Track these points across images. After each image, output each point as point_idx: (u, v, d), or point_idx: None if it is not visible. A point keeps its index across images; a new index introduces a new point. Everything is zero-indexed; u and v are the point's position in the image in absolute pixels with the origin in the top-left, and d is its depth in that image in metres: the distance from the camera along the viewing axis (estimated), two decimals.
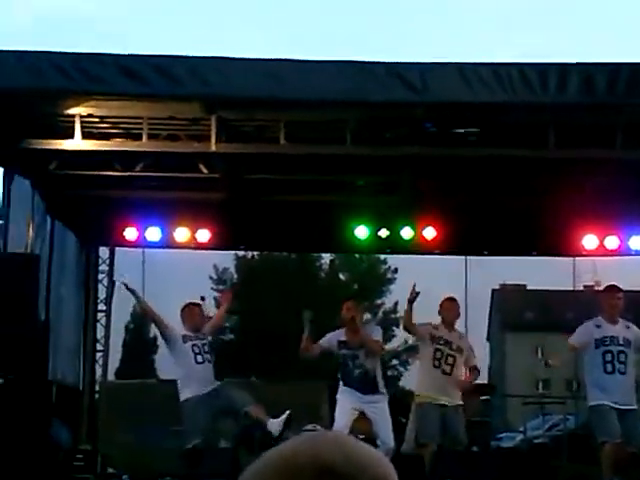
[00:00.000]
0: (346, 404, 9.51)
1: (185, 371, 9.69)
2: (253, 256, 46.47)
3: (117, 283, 13.71)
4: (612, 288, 9.92)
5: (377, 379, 9.67)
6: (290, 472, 1.22)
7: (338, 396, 9.72)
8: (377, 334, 9.92)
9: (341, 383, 9.81)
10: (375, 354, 9.75)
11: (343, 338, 9.80)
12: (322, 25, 70.83)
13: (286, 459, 1.25)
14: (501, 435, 23.96)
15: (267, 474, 1.25)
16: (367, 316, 10.35)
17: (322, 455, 1.23)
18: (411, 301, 9.79)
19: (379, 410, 9.55)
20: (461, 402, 10.08)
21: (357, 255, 44.47)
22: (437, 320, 10.15)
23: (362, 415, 9.54)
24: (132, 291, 10.37)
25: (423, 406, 9.94)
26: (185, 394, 9.53)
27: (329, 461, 1.22)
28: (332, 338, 9.98)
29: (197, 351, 9.73)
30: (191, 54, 9.16)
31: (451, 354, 9.89)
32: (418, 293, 9.79)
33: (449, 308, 10.26)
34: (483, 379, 16.61)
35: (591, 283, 40.42)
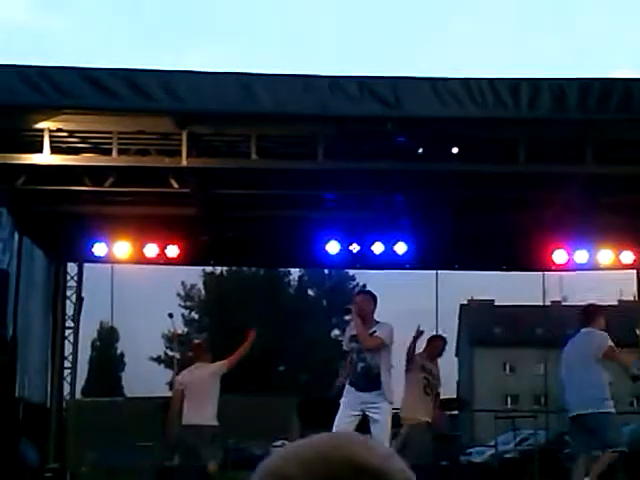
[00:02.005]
0: (347, 408, 9.48)
1: None
2: (221, 272, 46.34)
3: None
4: None
5: (381, 377, 9.48)
6: (324, 462, 1.19)
7: (342, 399, 9.62)
8: (382, 330, 9.80)
9: (347, 382, 9.71)
10: (367, 349, 9.67)
11: (354, 332, 9.71)
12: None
13: (320, 450, 1.21)
14: (470, 450, 23.99)
15: (299, 463, 1.20)
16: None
17: (356, 450, 1.21)
18: (415, 338, 10.87)
19: (380, 411, 9.39)
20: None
21: (326, 271, 44.47)
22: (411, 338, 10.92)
23: (363, 419, 9.50)
24: None
25: (419, 429, 10.89)
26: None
27: (362, 456, 1.20)
28: (347, 332, 10.06)
29: None
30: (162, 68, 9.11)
31: (434, 384, 11.26)
32: (422, 332, 10.95)
33: (437, 346, 11.55)
34: (452, 394, 16.61)
35: (558, 299, 40.76)
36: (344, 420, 9.32)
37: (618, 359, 9.72)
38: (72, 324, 14.07)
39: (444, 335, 12.45)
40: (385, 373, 9.59)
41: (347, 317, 10.22)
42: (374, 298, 9.82)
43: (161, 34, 73.78)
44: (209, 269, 43.04)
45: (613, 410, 9.56)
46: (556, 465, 17.42)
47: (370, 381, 9.48)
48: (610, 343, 9.58)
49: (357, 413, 9.44)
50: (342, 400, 9.61)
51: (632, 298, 15.36)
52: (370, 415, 9.40)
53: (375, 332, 9.55)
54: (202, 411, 10.75)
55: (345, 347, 10.00)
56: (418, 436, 10.83)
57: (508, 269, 15.14)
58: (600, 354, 9.54)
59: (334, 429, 9.17)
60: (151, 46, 69.60)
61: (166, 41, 73.54)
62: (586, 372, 9.50)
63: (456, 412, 23.48)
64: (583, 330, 9.83)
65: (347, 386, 9.66)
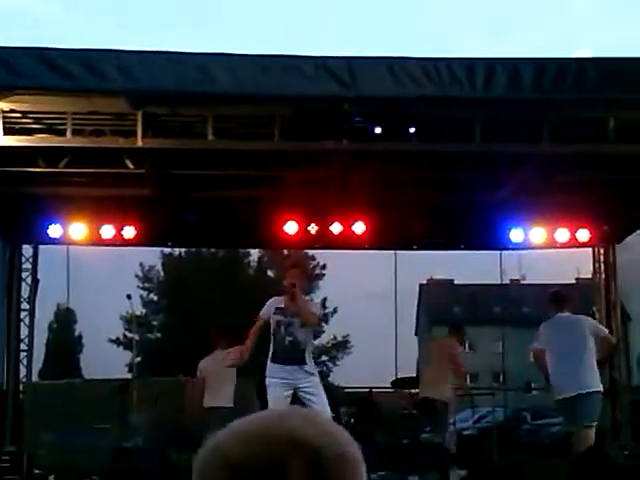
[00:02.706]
0: (277, 391, 9.31)
1: None
2: (180, 253, 46.12)
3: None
4: None
5: (306, 353, 9.43)
6: (261, 439, 1.21)
7: (268, 379, 9.44)
8: (316, 308, 9.76)
9: (269, 361, 9.51)
10: (309, 324, 9.57)
11: (281, 305, 9.56)
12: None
13: (258, 427, 1.24)
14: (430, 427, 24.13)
15: (237, 441, 1.23)
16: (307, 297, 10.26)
17: (293, 426, 1.23)
18: None
19: (313, 384, 9.36)
20: None
21: (285, 251, 44.47)
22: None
23: (295, 397, 9.37)
24: None
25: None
26: None
27: (298, 432, 1.22)
28: (271, 305, 9.68)
29: None
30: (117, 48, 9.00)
31: None
32: None
33: None
34: (412, 373, 16.71)
35: (517, 277, 41.10)
36: (281, 401, 9.17)
37: (610, 342, 10.84)
38: (28, 306, 13.94)
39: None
40: (310, 349, 9.61)
41: (273, 299, 9.90)
42: (305, 273, 9.78)
43: (145, 16, 72.96)
44: (168, 250, 42.83)
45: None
46: (514, 442, 17.61)
47: (296, 355, 9.39)
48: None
49: (289, 391, 9.30)
50: (270, 380, 9.46)
51: (589, 276, 15.49)
52: (304, 389, 9.30)
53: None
54: (218, 394, 11.86)
55: (264, 316, 9.67)
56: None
57: (466, 248, 15.24)
58: (598, 337, 10.23)
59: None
60: (134, 28, 68.80)
61: (148, 23, 72.79)
62: (587, 355, 10.04)
63: (417, 390, 23.64)
64: (565, 315, 10.36)
65: (270, 364, 9.51)
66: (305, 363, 9.42)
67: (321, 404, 9.14)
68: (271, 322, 9.58)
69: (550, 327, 10.45)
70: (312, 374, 9.46)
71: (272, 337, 9.63)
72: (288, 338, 9.44)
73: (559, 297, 10.66)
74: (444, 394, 11.99)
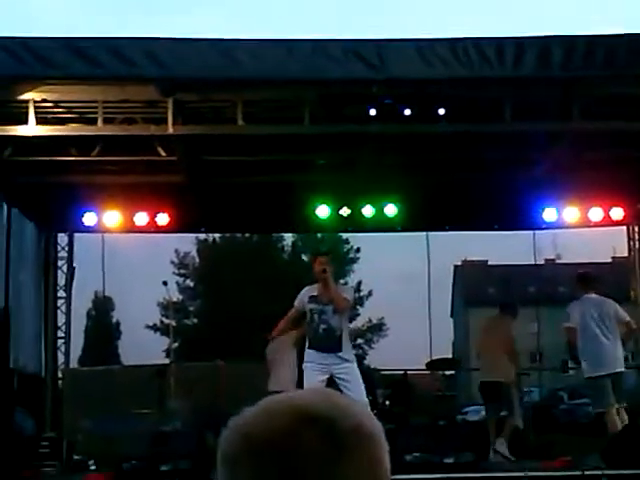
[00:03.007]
0: (313, 376, 9.33)
1: None
2: (214, 239, 46.30)
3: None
4: None
5: (342, 339, 9.43)
6: (274, 416, 1.27)
7: (305, 364, 9.51)
8: (348, 293, 9.77)
9: (307, 346, 9.58)
10: (341, 310, 9.52)
11: (314, 293, 9.58)
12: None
13: (271, 405, 1.30)
14: (467, 409, 24.13)
15: (253, 419, 1.29)
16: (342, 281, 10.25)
17: (305, 401, 1.28)
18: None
19: (349, 370, 9.35)
20: None
21: (319, 235, 44.51)
22: None
23: (331, 382, 9.39)
24: None
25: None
26: None
27: (309, 406, 1.27)
28: (304, 294, 9.71)
29: None
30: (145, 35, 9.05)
31: None
32: None
33: None
34: (447, 354, 16.69)
35: (552, 257, 40.88)
36: (315, 384, 9.13)
37: (632, 328, 10.80)
38: (64, 294, 14.09)
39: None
40: (346, 334, 9.61)
41: (306, 287, 9.95)
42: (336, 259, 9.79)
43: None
44: (202, 236, 43.00)
45: None
46: (551, 422, 17.57)
47: (332, 342, 9.40)
48: None
49: (324, 376, 9.30)
50: (306, 365, 9.51)
51: (625, 254, 15.37)
52: (340, 376, 9.29)
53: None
54: (279, 379, 11.71)
55: (299, 306, 9.74)
56: None
57: (500, 229, 15.18)
58: (620, 321, 10.51)
59: None
60: (140, 11, 68.89)
61: (155, 7, 72.84)
62: (614, 335, 10.39)
63: (453, 372, 23.62)
64: (592, 296, 10.62)
65: (307, 350, 9.56)
66: (340, 350, 9.41)
67: (356, 390, 9.11)
68: (306, 311, 9.64)
69: (578, 307, 10.64)
70: (347, 360, 9.45)
71: (307, 325, 9.67)
72: (322, 326, 9.46)
73: (585, 278, 10.89)
74: (508, 376, 11.73)
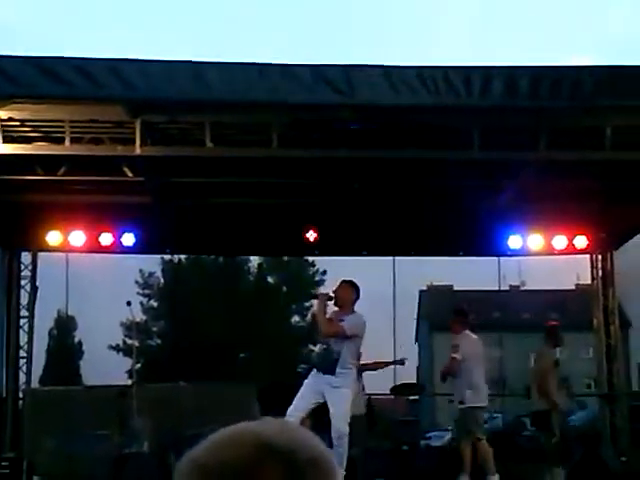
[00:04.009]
0: (307, 388, 9.61)
1: None
2: (180, 260, 46.13)
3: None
4: None
5: (337, 363, 9.60)
6: (232, 446, 1.27)
7: (305, 380, 9.86)
8: (349, 321, 9.85)
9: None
10: (325, 335, 9.75)
11: (332, 316, 9.92)
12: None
13: (230, 435, 1.30)
14: (430, 434, 24.16)
15: (211, 449, 1.29)
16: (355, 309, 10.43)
17: (264, 432, 1.28)
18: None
19: (337, 396, 9.52)
20: None
21: (285, 257, 44.44)
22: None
23: (323, 400, 9.59)
24: None
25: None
26: None
27: (269, 437, 1.27)
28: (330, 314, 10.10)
29: None
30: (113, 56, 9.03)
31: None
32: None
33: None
34: (412, 379, 16.70)
35: (517, 283, 41.11)
36: (302, 399, 9.40)
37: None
38: (27, 313, 13.96)
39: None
40: (346, 361, 9.69)
41: (312, 302, 10.38)
42: (356, 288, 9.90)
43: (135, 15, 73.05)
44: (167, 257, 42.84)
45: None
46: (513, 448, 17.59)
47: (327, 364, 9.61)
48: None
49: (317, 396, 9.54)
50: (305, 381, 9.78)
51: (589, 282, 15.50)
52: (327, 397, 9.50)
53: (343, 321, 9.67)
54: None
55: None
56: None
57: (465, 254, 15.26)
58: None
59: (291, 406, 9.31)
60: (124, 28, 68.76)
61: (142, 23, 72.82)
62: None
63: (417, 397, 23.64)
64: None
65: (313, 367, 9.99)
66: (334, 373, 9.60)
67: (338, 417, 9.33)
68: None
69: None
70: (338, 387, 9.60)
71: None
72: (322, 346, 9.86)
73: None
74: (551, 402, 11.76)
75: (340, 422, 9.27)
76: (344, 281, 10.30)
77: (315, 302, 10.20)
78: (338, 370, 9.59)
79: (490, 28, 75.22)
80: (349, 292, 9.86)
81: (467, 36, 74.26)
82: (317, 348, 10.09)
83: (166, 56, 9.49)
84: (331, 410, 9.40)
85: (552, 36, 70.53)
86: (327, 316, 9.91)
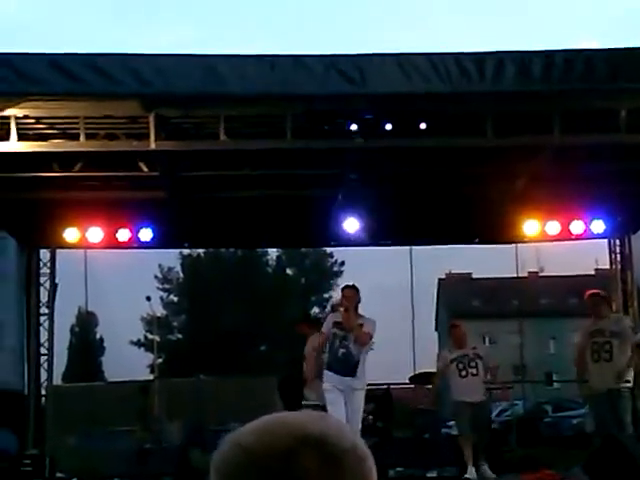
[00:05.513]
0: (333, 396, 9.75)
1: None
2: (199, 254, 46.24)
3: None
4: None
5: (358, 366, 9.88)
6: (274, 433, 1.29)
7: (324, 386, 9.92)
8: (369, 326, 10.02)
9: (325, 369, 10.04)
10: (362, 345, 9.95)
11: (338, 319, 10.05)
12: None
13: (271, 422, 1.32)
14: (451, 423, 24.12)
15: (255, 434, 1.31)
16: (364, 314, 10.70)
17: (301, 421, 1.31)
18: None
19: (355, 399, 9.80)
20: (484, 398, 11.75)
21: (303, 249, 44.47)
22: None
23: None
24: None
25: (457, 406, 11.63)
26: None
27: (305, 426, 1.30)
28: (329, 320, 10.31)
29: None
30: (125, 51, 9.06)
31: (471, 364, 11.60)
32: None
33: (455, 334, 12.16)
34: (430, 368, 16.68)
35: (535, 269, 40.97)
36: (338, 403, 9.60)
37: None
38: (47, 311, 14.02)
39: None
40: (362, 363, 10.01)
41: (332, 313, 10.59)
42: (358, 291, 10.07)
43: (129, 15, 73.11)
44: (186, 251, 42.94)
45: None
46: (535, 435, 17.57)
47: (348, 367, 9.88)
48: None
49: (342, 396, 9.80)
50: (326, 385, 9.93)
51: (607, 267, 15.42)
52: (347, 398, 9.78)
53: (362, 325, 9.80)
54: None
55: (324, 330, 10.23)
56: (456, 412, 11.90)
57: (481, 242, 15.22)
58: None
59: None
60: (119, 27, 68.88)
61: (134, 22, 72.88)
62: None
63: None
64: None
65: (326, 371, 10.01)
66: (355, 376, 9.85)
67: (354, 418, 9.57)
68: (330, 335, 10.10)
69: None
70: (358, 389, 9.89)
71: (329, 348, 10.09)
72: (342, 350, 9.95)
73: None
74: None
75: (356, 423, 9.57)
76: (348, 286, 10.46)
77: (340, 313, 10.17)
78: (358, 372, 9.91)
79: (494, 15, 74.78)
80: (356, 296, 10.12)
81: (477, 25, 73.80)
82: (330, 351, 10.06)
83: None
84: (349, 410, 9.68)
85: (559, 22, 70.07)
86: (329, 324, 10.17)
